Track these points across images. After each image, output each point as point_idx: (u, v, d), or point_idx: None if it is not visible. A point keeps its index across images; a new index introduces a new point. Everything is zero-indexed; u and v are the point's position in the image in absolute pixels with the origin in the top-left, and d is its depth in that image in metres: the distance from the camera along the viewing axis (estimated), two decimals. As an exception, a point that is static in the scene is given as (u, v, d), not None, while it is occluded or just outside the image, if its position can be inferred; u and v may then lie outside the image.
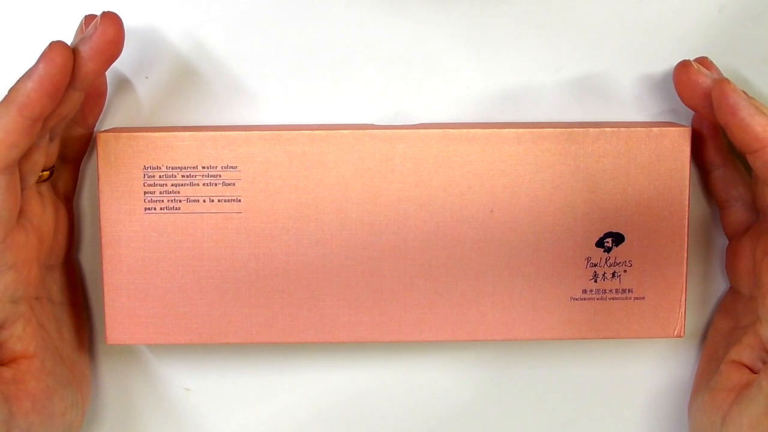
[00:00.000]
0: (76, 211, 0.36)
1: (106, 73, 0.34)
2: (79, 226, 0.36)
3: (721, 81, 0.31)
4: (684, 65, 0.33)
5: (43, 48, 0.29)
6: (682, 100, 0.33)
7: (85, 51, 0.30)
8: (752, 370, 0.33)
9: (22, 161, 0.30)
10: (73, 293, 0.36)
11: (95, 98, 0.34)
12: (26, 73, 0.29)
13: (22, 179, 0.31)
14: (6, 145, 0.29)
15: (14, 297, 0.31)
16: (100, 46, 0.30)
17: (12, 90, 0.29)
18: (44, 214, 0.33)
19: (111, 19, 0.30)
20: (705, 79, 0.32)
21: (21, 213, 0.31)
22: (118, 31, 0.30)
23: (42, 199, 0.33)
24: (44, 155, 0.32)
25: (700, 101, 0.33)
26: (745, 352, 0.33)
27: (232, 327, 0.34)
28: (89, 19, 0.32)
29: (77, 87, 0.30)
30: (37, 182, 0.32)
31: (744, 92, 0.31)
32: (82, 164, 0.36)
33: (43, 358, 0.32)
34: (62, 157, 0.34)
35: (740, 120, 0.30)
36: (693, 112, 0.35)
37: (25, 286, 0.31)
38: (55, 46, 0.29)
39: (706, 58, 0.34)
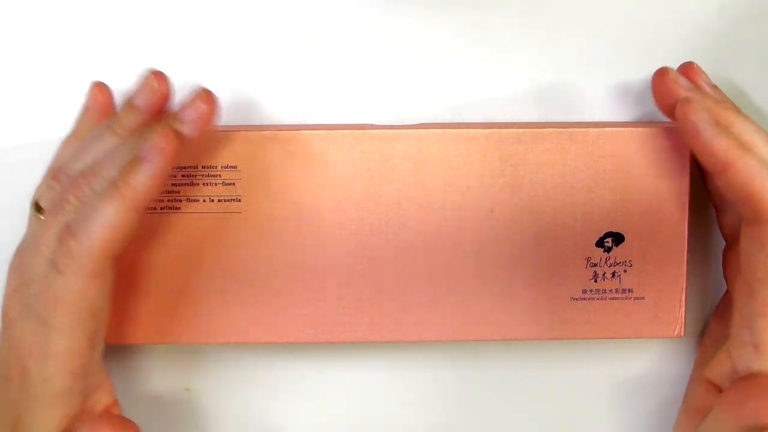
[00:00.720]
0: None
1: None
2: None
3: (685, 100, 0.31)
4: (661, 73, 0.32)
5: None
6: (658, 107, 0.33)
7: (190, 131, 0.30)
8: (720, 390, 0.33)
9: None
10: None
11: (102, 115, 0.34)
12: (136, 162, 0.29)
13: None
14: (124, 239, 0.29)
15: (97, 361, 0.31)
16: (203, 124, 0.30)
17: (124, 182, 0.29)
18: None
19: (208, 95, 0.31)
20: (680, 90, 0.32)
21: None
22: (215, 107, 0.31)
23: None
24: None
25: (672, 110, 0.32)
26: (715, 370, 0.33)
27: (231, 327, 0.34)
28: (157, 76, 0.32)
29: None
30: None
31: (713, 102, 0.31)
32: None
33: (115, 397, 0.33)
34: None
35: (702, 141, 0.30)
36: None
37: (98, 343, 0.31)
38: (168, 134, 0.29)
39: (693, 64, 0.34)
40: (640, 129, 0.33)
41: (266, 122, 0.36)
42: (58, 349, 0.29)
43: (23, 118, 0.35)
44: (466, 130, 0.33)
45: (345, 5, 0.35)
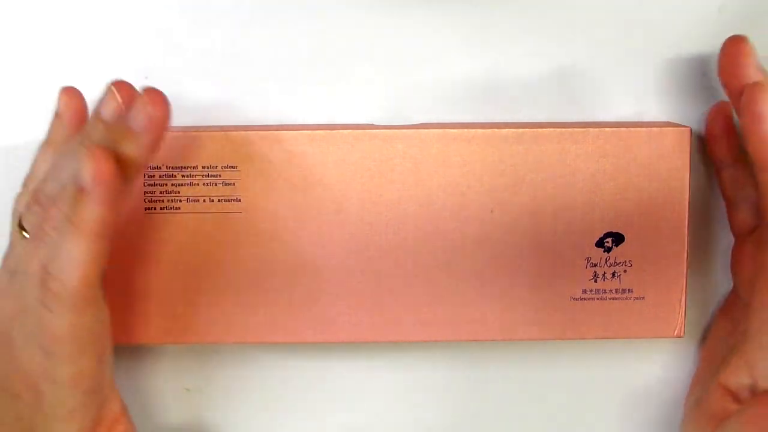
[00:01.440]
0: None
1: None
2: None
3: (756, 85, 0.30)
4: (737, 42, 0.31)
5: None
6: (721, 76, 0.32)
7: (144, 142, 0.28)
8: (737, 398, 0.32)
9: None
10: None
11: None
12: (79, 195, 0.27)
13: None
14: (99, 266, 0.28)
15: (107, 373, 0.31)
16: (158, 134, 0.29)
17: (78, 216, 0.27)
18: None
19: (163, 105, 0.29)
20: (751, 70, 0.31)
21: None
22: (168, 114, 0.29)
23: None
24: None
25: (735, 89, 0.31)
26: (732, 376, 0.32)
27: (232, 327, 0.34)
28: (119, 88, 0.30)
29: (137, 175, 0.29)
30: None
31: None
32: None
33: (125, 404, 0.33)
34: None
35: (761, 131, 0.30)
36: (694, 114, 0.35)
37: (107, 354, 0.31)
38: (103, 155, 0.27)
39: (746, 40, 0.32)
40: (641, 129, 0.33)
41: (266, 122, 0.36)
42: (67, 376, 0.29)
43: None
44: (466, 130, 0.33)
45: (345, 5, 0.35)
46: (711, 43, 0.35)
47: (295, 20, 0.35)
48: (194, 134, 0.33)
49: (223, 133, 0.33)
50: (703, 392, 0.34)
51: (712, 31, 0.35)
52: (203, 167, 0.33)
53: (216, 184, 0.34)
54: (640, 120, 0.36)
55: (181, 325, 0.34)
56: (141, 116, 0.28)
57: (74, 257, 0.28)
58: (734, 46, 0.31)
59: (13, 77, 0.35)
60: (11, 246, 0.31)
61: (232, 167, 0.33)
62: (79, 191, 0.28)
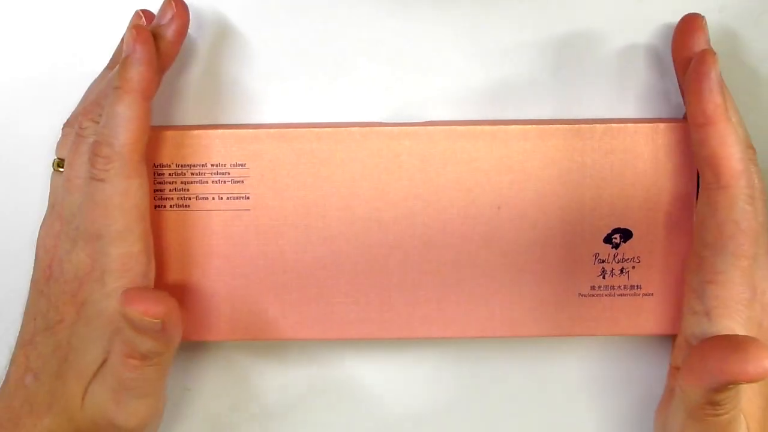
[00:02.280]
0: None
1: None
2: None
3: (709, 50, 0.32)
4: (692, 17, 0.33)
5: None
6: (672, 50, 0.34)
7: (169, 34, 0.32)
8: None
9: None
10: None
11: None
12: (129, 57, 0.31)
13: None
14: (145, 132, 0.31)
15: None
16: (181, 29, 0.33)
17: (123, 76, 0.31)
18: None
19: (183, 4, 0.33)
20: (703, 42, 0.33)
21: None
22: (188, 16, 0.33)
23: None
24: None
25: (683, 62, 0.33)
26: (678, 355, 0.33)
27: (240, 324, 0.34)
28: (146, 13, 0.34)
29: (163, 70, 0.33)
30: None
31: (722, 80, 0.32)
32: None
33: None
34: None
35: (701, 89, 0.31)
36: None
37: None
38: (142, 28, 0.31)
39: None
40: (648, 125, 0.34)
41: (274, 120, 0.36)
42: (117, 256, 0.31)
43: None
44: (472, 127, 0.34)
45: (352, 4, 0.35)
46: (712, 44, 0.36)
47: (303, 18, 0.36)
48: (203, 133, 0.34)
49: (231, 131, 0.34)
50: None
51: (713, 31, 0.36)
52: (212, 165, 0.34)
53: (225, 182, 0.34)
54: (647, 116, 0.36)
55: (187, 322, 0.34)
56: (168, 13, 0.33)
57: (124, 117, 0.30)
58: (687, 22, 0.33)
59: (13, 77, 0.36)
60: (50, 190, 0.33)
61: (240, 165, 0.34)
62: (123, 59, 0.31)
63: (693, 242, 0.32)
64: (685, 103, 0.32)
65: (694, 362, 0.30)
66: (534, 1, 0.36)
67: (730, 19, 0.36)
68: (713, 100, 0.31)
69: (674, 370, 0.34)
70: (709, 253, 0.31)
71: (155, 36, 0.32)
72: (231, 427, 0.37)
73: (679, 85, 0.34)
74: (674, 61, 0.34)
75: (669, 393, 0.34)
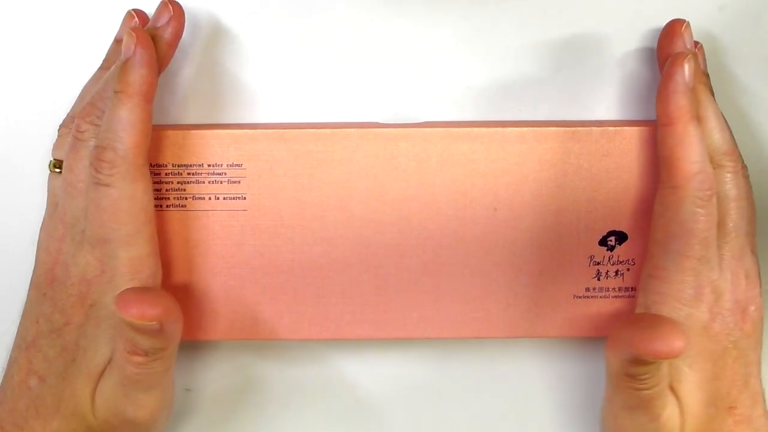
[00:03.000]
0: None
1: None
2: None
3: (682, 53, 0.32)
4: (677, 22, 0.34)
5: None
6: (657, 53, 0.34)
7: (167, 36, 0.33)
8: None
9: None
10: None
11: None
12: (130, 60, 0.31)
13: None
14: (147, 135, 0.31)
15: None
16: (177, 31, 0.33)
17: (124, 82, 0.31)
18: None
19: (179, 7, 0.33)
20: (681, 45, 0.33)
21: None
22: (184, 17, 0.33)
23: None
24: None
25: (663, 63, 0.33)
26: None
27: (236, 324, 0.34)
28: (138, 13, 0.34)
29: (160, 71, 0.33)
30: None
31: (701, 75, 0.32)
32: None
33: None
34: None
35: (668, 89, 0.32)
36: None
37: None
38: (141, 31, 0.31)
39: (700, 44, 0.35)
40: (643, 128, 0.34)
41: (271, 121, 0.36)
42: (126, 260, 0.31)
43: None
44: (469, 129, 0.34)
45: (349, 5, 0.35)
46: (711, 44, 0.36)
47: (300, 18, 0.35)
48: (200, 133, 0.34)
49: (228, 131, 0.34)
50: None
51: (713, 31, 0.36)
52: (209, 165, 0.34)
53: (222, 182, 0.34)
54: (643, 119, 0.36)
55: (185, 322, 0.34)
56: (164, 15, 0.33)
57: (126, 120, 0.31)
58: (669, 27, 0.34)
59: (13, 76, 0.36)
60: (48, 191, 0.33)
61: (237, 165, 0.34)
62: (123, 63, 0.31)
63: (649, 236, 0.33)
64: (657, 101, 0.33)
65: (615, 332, 0.32)
66: (533, 2, 0.35)
67: (730, 18, 0.36)
68: (675, 102, 0.31)
69: None
70: (656, 250, 0.32)
71: (153, 38, 0.32)
72: (231, 427, 0.38)
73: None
74: (659, 66, 0.34)
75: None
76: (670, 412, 0.32)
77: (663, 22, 0.35)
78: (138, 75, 0.31)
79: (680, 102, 0.31)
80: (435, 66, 0.36)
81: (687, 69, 0.31)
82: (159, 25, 0.33)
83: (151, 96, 0.31)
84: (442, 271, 0.34)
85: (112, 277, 0.31)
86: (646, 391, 0.31)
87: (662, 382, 0.31)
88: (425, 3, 0.35)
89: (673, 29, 0.33)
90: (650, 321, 0.31)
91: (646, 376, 0.30)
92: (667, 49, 0.33)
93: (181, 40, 0.34)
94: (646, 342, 0.29)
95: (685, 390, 0.32)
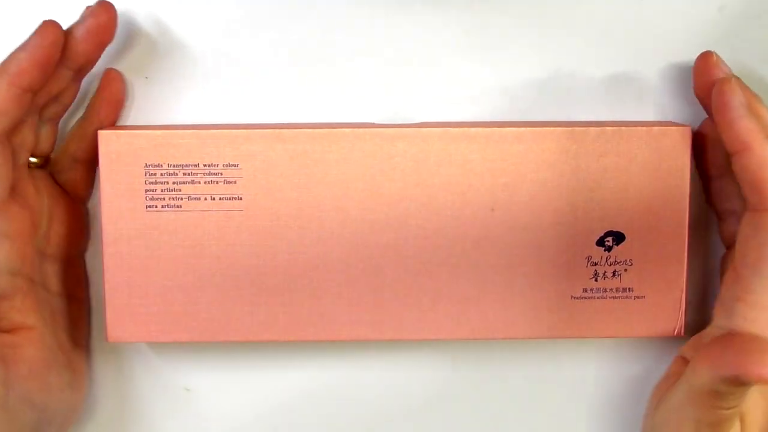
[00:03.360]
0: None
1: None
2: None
3: (724, 79, 0.32)
4: (705, 56, 0.33)
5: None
6: (695, 90, 0.34)
7: (78, 32, 0.32)
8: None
9: (12, 135, 0.32)
10: (74, 289, 0.36)
11: (110, 101, 0.35)
12: (19, 46, 0.31)
13: (13, 154, 0.32)
14: (4, 114, 0.31)
15: (12, 269, 0.32)
16: (93, 28, 0.32)
17: (4, 62, 0.31)
18: (38, 198, 0.33)
19: (104, 5, 0.33)
20: (719, 73, 0.33)
21: (14, 188, 0.32)
22: (110, 18, 0.33)
23: (36, 184, 0.33)
24: (34, 134, 0.33)
25: (708, 95, 0.33)
26: (687, 348, 0.34)
27: (233, 325, 0.34)
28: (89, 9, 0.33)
29: (68, 66, 0.32)
30: (30, 166, 0.33)
31: (749, 92, 0.32)
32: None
33: (42, 332, 0.33)
34: (74, 157, 0.35)
35: (729, 118, 0.31)
36: (694, 114, 0.35)
37: (22, 261, 0.32)
38: (48, 22, 0.31)
39: (712, 54, 0.34)
40: (641, 128, 0.33)
41: (268, 121, 0.36)
42: None
43: None
44: (467, 129, 0.33)
45: (346, 4, 0.35)
46: (711, 44, 0.35)
47: (296, 18, 0.35)
48: (195, 132, 0.33)
49: (224, 131, 0.33)
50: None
51: (713, 31, 0.35)
52: (204, 165, 0.34)
53: (217, 183, 0.34)
54: (641, 119, 0.36)
55: (181, 324, 0.34)
56: (86, 11, 0.33)
57: None
58: (702, 60, 0.33)
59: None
60: None
61: (233, 165, 0.34)
62: (18, 47, 0.31)
63: (734, 257, 0.32)
64: (720, 135, 0.32)
65: (714, 347, 0.31)
66: (532, 2, 0.35)
67: (730, 18, 0.35)
68: (744, 126, 0.31)
69: (680, 360, 0.34)
70: (747, 272, 0.31)
71: (68, 33, 0.32)
72: (230, 427, 0.38)
73: (709, 115, 0.35)
74: (700, 101, 0.34)
75: (670, 377, 0.34)
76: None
77: (663, 22, 0.35)
78: (15, 58, 0.31)
79: (749, 125, 0.31)
80: (433, 66, 0.36)
81: (739, 90, 0.31)
82: (78, 22, 0.32)
83: (21, 81, 0.31)
84: (439, 271, 0.34)
85: None
86: (726, 411, 0.31)
87: (741, 404, 0.31)
88: (424, 3, 0.35)
89: (706, 60, 0.33)
90: (756, 344, 0.30)
91: (734, 396, 0.30)
92: (706, 78, 0.33)
93: (181, 39, 0.34)
94: (754, 365, 0.29)
95: (752, 416, 0.32)
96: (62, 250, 0.35)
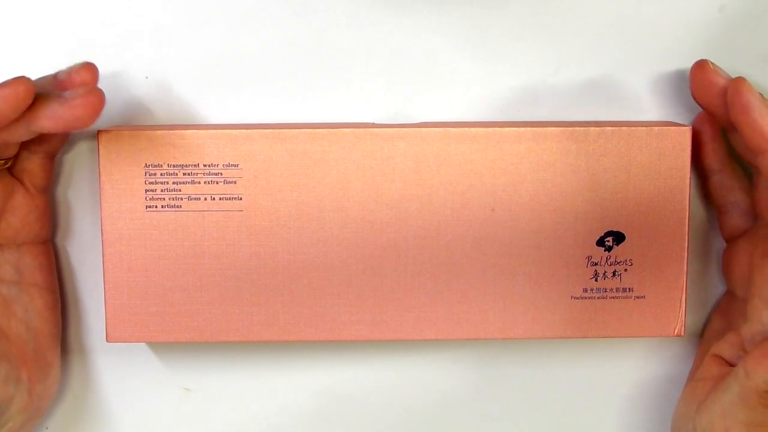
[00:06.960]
0: (78, 208, 0.36)
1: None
2: (82, 224, 0.36)
3: (738, 80, 0.32)
4: (700, 64, 0.33)
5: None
6: (695, 98, 0.34)
7: (53, 109, 0.30)
8: (730, 364, 0.33)
9: None
10: (37, 278, 0.35)
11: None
12: None
13: None
14: None
15: None
16: (67, 119, 0.30)
17: None
18: None
19: (92, 104, 0.30)
20: (720, 78, 0.33)
21: None
22: (92, 115, 0.30)
23: None
24: None
25: (713, 100, 0.33)
26: (725, 347, 0.34)
27: (232, 325, 0.34)
28: (84, 69, 0.31)
29: (28, 130, 0.30)
30: None
31: (760, 93, 0.32)
32: (81, 161, 0.36)
33: None
34: (28, 149, 0.34)
35: (752, 120, 0.31)
36: (694, 114, 0.35)
37: None
38: (18, 83, 0.29)
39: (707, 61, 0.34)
40: (641, 128, 0.33)
41: (268, 121, 0.36)
42: None
43: None
44: (467, 129, 0.33)
45: (346, 4, 0.35)
46: (711, 44, 0.35)
47: (296, 18, 0.35)
48: (196, 132, 0.33)
49: (224, 131, 0.33)
50: (698, 368, 0.35)
51: (713, 31, 0.35)
52: (204, 165, 0.34)
53: (217, 183, 0.34)
54: (641, 119, 0.36)
55: (181, 324, 0.34)
56: (70, 102, 0.30)
57: None
58: (700, 66, 0.33)
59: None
60: None
61: (233, 165, 0.34)
62: None
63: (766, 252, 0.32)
64: (741, 138, 0.32)
65: (765, 351, 0.30)
66: (532, 2, 0.35)
67: (730, 19, 0.35)
68: (767, 125, 0.31)
69: (717, 359, 0.34)
70: None
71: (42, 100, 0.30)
72: (230, 427, 0.38)
73: (712, 116, 0.34)
74: (700, 104, 0.34)
75: (707, 379, 0.34)
76: None
77: (663, 22, 0.35)
78: None
79: None
80: (433, 66, 0.36)
81: (753, 91, 0.31)
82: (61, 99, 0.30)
83: None
84: (440, 271, 0.34)
85: None
86: None
87: None
88: (423, 3, 0.35)
89: (703, 67, 0.33)
90: None
91: None
92: (704, 82, 0.33)
93: (180, 39, 0.34)
94: None
95: None
96: (19, 239, 0.34)
